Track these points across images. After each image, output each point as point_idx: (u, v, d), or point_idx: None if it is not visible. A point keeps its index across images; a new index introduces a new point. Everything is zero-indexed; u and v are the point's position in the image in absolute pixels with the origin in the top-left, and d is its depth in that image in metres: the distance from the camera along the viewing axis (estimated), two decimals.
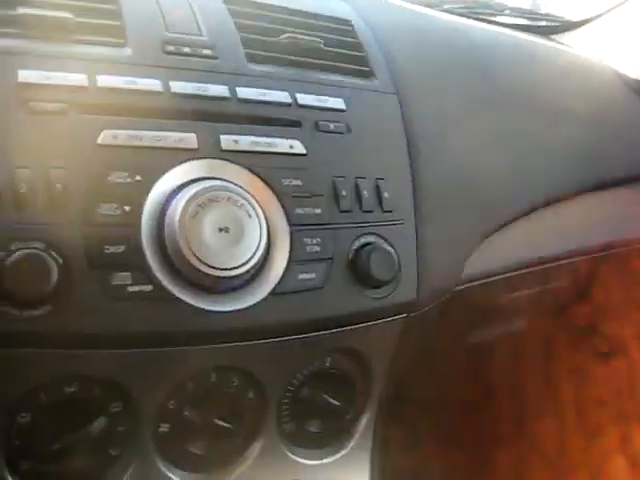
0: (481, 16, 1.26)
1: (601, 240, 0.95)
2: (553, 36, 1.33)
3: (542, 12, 1.51)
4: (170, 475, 0.67)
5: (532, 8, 1.65)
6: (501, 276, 0.84)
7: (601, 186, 1.00)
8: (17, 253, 0.54)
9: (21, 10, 0.62)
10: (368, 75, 0.77)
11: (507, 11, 1.42)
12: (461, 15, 1.21)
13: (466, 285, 0.80)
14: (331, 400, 0.72)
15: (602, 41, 1.30)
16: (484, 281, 0.83)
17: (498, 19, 1.33)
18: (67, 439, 0.61)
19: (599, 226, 0.96)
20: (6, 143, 0.56)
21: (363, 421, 0.76)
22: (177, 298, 0.58)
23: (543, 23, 1.37)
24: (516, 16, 1.42)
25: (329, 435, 0.75)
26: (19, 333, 0.55)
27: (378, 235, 0.68)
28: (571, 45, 1.30)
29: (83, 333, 0.57)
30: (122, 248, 0.57)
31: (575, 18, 1.35)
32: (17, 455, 0.61)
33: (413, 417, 1.04)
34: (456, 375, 1.03)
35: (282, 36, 0.73)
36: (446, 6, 1.28)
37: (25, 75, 0.59)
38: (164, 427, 0.65)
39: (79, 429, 0.61)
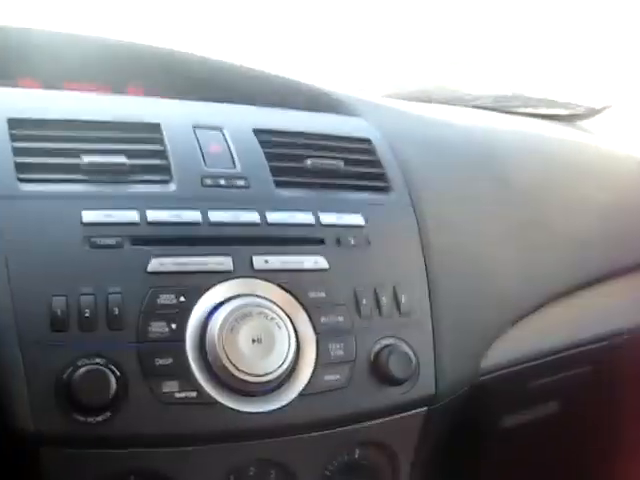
0: (508, 108, 1.34)
1: (619, 326, 1.00)
2: (578, 122, 1.40)
3: (566, 100, 1.58)
4: None
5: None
6: (521, 366, 0.90)
7: (619, 273, 1.05)
8: (82, 369, 0.64)
9: (85, 159, 0.74)
10: (386, 190, 0.86)
11: (533, 102, 1.50)
12: (488, 109, 1.31)
13: (488, 377, 0.86)
14: None
15: (625, 126, 1.37)
16: (507, 371, 0.89)
17: (524, 110, 1.41)
18: None
19: (616, 314, 1.01)
20: (73, 274, 0.68)
21: None
22: (218, 402, 0.67)
23: (567, 111, 1.45)
24: (542, 106, 1.50)
25: None
26: (84, 436, 0.65)
27: (396, 337, 0.76)
28: (595, 130, 1.37)
29: (137, 434, 0.66)
30: (170, 360, 0.67)
31: (598, 105, 1.42)
32: None
33: None
34: (490, 461, 1.07)
35: (306, 161, 0.83)
36: (471, 100, 1.37)
37: (87, 215, 0.70)
38: None
39: None
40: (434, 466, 0.87)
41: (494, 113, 1.26)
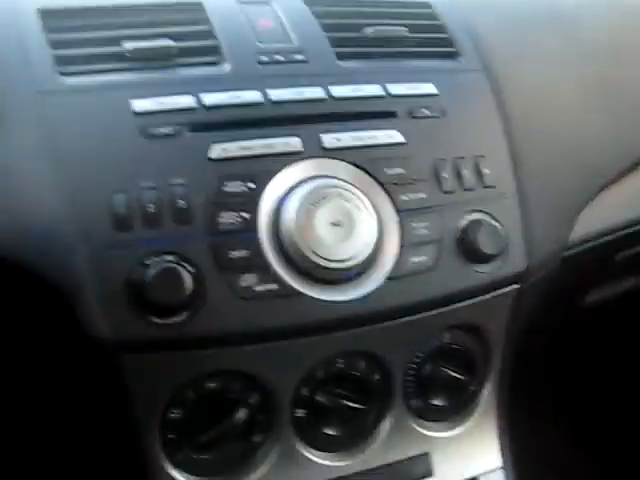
0: None
1: None
2: None
3: None
4: (309, 456, 0.72)
5: None
6: (611, 236, 0.84)
7: None
8: (153, 268, 0.59)
9: (126, 45, 0.67)
10: (455, 55, 0.78)
11: None
12: None
13: (576, 250, 0.80)
14: (453, 374, 0.75)
15: None
16: (594, 243, 0.83)
17: None
18: (214, 430, 0.67)
19: None
20: (130, 168, 0.62)
21: (486, 391, 0.78)
22: (300, 292, 0.63)
23: None
24: None
25: (455, 407, 0.78)
26: (163, 339, 0.61)
27: (483, 211, 0.70)
28: None
29: (218, 333, 0.62)
30: (245, 252, 0.62)
31: None
32: (173, 447, 0.67)
33: (536, 385, 1.05)
34: (577, 339, 1.03)
35: (367, 29, 0.76)
36: None
37: (138, 104, 0.64)
38: (300, 412, 0.70)
39: (224, 421, 0.67)
40: (524, 349, 0.82)
41: None
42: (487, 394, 0.79)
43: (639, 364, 1.17)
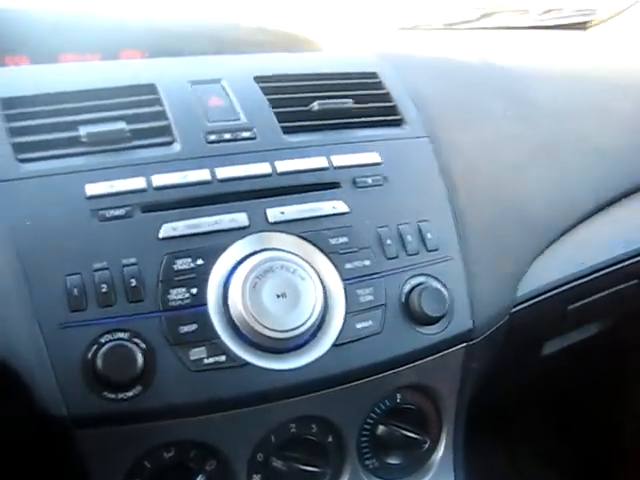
0: (515, 24, 1.28)
1: None
2: (592, 29, 1.33)
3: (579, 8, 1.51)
4: None
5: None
6: (560, 289, 0.86)
7: None
8: (106, 345, 0.62)
9: (82, 129, 0.71)
10: (399, 123, 0.82)
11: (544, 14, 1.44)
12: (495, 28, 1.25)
13: (524, 305, 0.83)
14: (407, 433, 0.76)
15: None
16: (543, 297, 0.85)
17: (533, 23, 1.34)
18: None
19: None
20: (83, 250, 0.65)
21: (441, 448, 0.80)
22: (248, 363, 0.65)
23: (579, 19, 1.38)
24: (554, 18, 1.43)
25: (411, 466, 0.80)
26: (117, 413, 0.63)
27: (427, 275, 0.73)
28: (612, 36, 1.30)
29: (171, 405, 0.65)
30: (194, 326, 0.65)
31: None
32: None
33: (494, 439, 1.07)
34: (541, 388, 1.05)
35: (313, 103, 0.79)
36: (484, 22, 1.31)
37: (91, 188, 0.68)
38: (256, 478, 0.72)
39: None
40: (478, 402, 0.84)
41: (503, 31, 1.21)
42: (443, 450, 0.80)
43: (602, 417, 1.19)
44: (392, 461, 0.78)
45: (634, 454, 1.23)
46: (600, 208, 0.94)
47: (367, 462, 0.77)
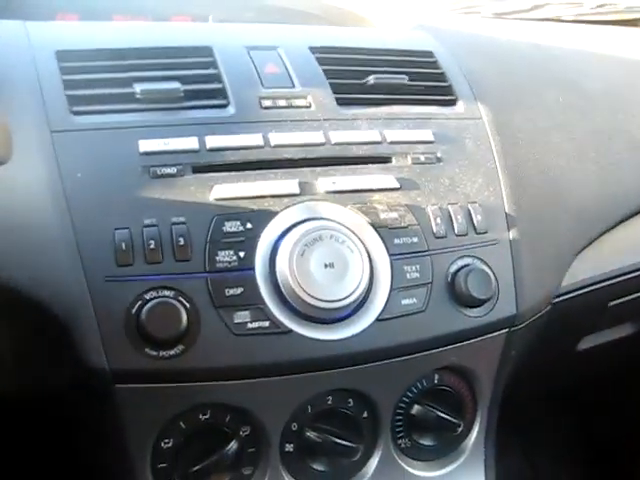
0: (574, 17, 1.26)
1: None
2: None
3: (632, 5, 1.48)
4: None
5: None
6: (603, 284, 0.85)
7: None
8: (151, 302, 0.62)
9: (137, 86, 0.71)
10: (453, 103, 0.81)
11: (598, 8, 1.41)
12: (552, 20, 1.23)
13: (568, 296, 0.82)
14: (441, 414, 0.76)
15: None
16: (587, 290, 0.84)
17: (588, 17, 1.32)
18: (205, 461, 0.69)
19: None
20: (134, 205, 0.65)
21: (474, 433, 0.80)
22: (292, 330, 0.65)
23: (633, 16, 1.35)
24: (607, 12, 1.41)
25: (443, 448, 0.79)
26: (158, 371, 0.63)
27: (474, 257, 0.72)
28: None
29: (212, 367, 0.65)
30: (240, 290, 0.64)
31: None
32: (164, 476, 0.69)
33: (527, 427, 1.06)
34: (570, 383, 1.04)
35: (369, 77, 0.79)
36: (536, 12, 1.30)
37: (145, 145, 0.67)
38: (289, 447, 0.72)
39: (215, 452, 0.69)
40: (514, 390, 0.83)
41: (561, 23, 1.19)
42: (475, 435, 0.80)
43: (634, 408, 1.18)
44: (424, 442, 0.78)
45: None
46: None
47: (399, 441, 0.76)
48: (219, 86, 0.73)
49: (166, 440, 0.68)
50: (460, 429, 0.78)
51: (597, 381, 1.15)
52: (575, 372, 1.03)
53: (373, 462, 0.76)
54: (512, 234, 0.75)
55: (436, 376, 0.75)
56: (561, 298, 0.81)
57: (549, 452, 1.21)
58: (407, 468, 0.78)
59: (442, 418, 0.76)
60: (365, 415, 0.73)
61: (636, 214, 0.89)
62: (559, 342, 0.91)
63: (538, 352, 0.84)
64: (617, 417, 1.25)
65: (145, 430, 0.67)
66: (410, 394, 0.74)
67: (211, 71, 0.75)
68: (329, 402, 0.71)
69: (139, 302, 0.62)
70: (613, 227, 0.87)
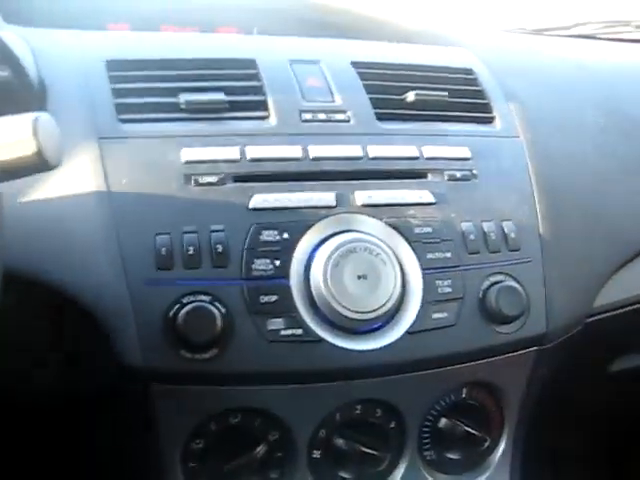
0: (617, 35, 1.26)
1: None
2: None
3: None
4: None
5: None
6: (636, 305, 0.85)
7: None
8: (188, 306, 0.64)
9: (182, 97, 0.73)
10: (492, 121, 0.82)
11: None
12: (594, 37, 1.23)
13: (600, 317, 0.82)
14: (468, 429, 0.77)
15: None
16: (620, 311, 0.84)
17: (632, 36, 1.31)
18: (234, 463, 0.71)
19: None
20: (175, 212, 0.67)
21: (500, 449, 0.80)
22: (323, 339, 0.66)
23: None
24: None
25: (469, 462, 0.80)
26: (192, 372, 0.65)
27: (506, 274, 0.73)
28: None
29: (244, 372, 0.66)
30: (275, 297, 0.66)
31: None
32: (193, 476, 0.71)
33: (553, 446, 1.05)
34: (598, 405, 1.03)
35: (408, 93, 0.80)
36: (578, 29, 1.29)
37: (187, 153, 0.69)
38: (316, 454, 0.73)
39: (244, 454, 0.71)
40: (542, 409, 0.83)
41: (603, 41, 1.18)
42: (502, 452, 0.80)
43: None
44: (450, 455, 0.78)
45: None
46: None
47: (425, 453, 0.77)
48: (261, 98, 0.75)
49: (197, 440, 0.70)
50: (486, 444, 0.79)
51: (628, 409, 1.14)
52: (606, 395, 1.02)
53: (399, 472, 0.76)
54: (545, 253, 0.76)
55: (464, 390, 0.76)
56: (593, 318, 0.81)
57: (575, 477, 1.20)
58: None
59: (469, 432, 0.77)
60: (392, 425, 0.74)
61: None
62: (590, 362, 0.91)
63: (568, 371, 0.85)
64: None
65: (177, 430, 0.69)
66: (438, 407, 0.75)
67: (254, 83, 0.77)
68: (357, 411, 0.72)
69: (177, 306, 0.64)
70: None
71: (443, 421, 0.76)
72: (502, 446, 0.80)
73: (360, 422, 0.73)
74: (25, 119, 0.53)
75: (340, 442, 0.73)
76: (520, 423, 0.80)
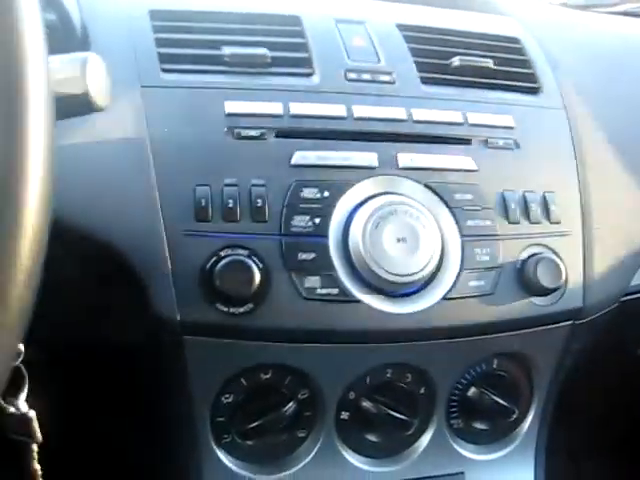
0: None
1: None
2: None
3: None
4: (348, 457, 0.75)
5: None
6: None
7: None
8: (226, 259, 0.63)
9: (225, 49, 0.72)
10: (536, 91, 0.81)
11: None
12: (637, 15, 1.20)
13: (636, 295, 0.81)
14: (497, 400, 0.76)
15: None
16: None
17: None
18: (262, 420, 0.71)
19: None
20: (216, 164, 0.67)
21: (527, 422, 0.80)
22: (359, 300, 0.66)
23: None
24: None
25: (495, 433, 0.79)
26: (226, 326, 0.65)
27: (545, 246, 0.72)
28: None
29: (278, 328, 0.66)
30: (313, 255, 0.65)
31: None
32: (221, 430, 0.71)
33: (579, 423, 1.05)
34: (627, 386, 1.02)
35: (454, 58, 0.78)
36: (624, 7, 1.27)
37: (230, 106, 0.69)
38: (344, 415, 0.73)
39: (272, 411, 0.71)
40: (571, 384, 0.83)
41: None
42: (529, 424, 0.80)
43: None
44: (477, 425, 0.78)
45: None
46: None
47: (452, 421, 0.77)
48: (305, 55, 0.74)
49: (227, 395, 0.70)
50: (514, 416, 0.79)
51: None
52: (636, 378, 1.01)
53: (425, 439, 0.76)
54: (586, 227, 0.75)
55: (495, 361, 0.75)
56: (629, 297, 0.80)
57: (597, 458, 1.20)
58: (458, 449, 0.78)
59: (497, 403, 0.76)
60: (422, 391, 0.74)
61: None
62: (622, 341, 0.90)
63: (599, 349, 0.84)
64: None
65: (208, 383, 0.69)
66: (468, 376, 0.75)
67: (298, 40, 0.76)
68: (388, 375, 0.72)
69: (214, 258, 0.64)
70: None
71: (472, 390, 0.76)
72: (529, 419, 0.80)
73: (390, 386, 0.73)
74: (75, 58, 0.53)
75: (369, 405, 0.73)
76: (549, 397, 0.79)
